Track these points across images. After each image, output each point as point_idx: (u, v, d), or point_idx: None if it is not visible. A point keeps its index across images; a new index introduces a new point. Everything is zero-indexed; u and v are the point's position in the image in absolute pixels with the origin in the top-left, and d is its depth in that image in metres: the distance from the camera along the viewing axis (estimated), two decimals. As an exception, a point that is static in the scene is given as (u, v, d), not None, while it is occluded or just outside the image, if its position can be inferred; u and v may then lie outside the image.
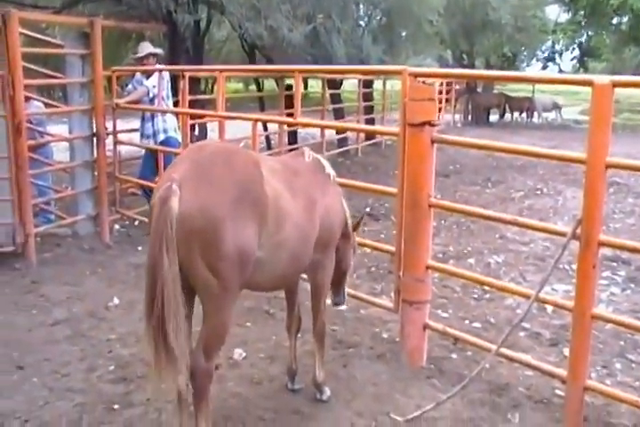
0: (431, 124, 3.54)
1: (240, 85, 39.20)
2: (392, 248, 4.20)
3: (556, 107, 24.53)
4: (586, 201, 3.06)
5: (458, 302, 5.29)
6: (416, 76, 3.74)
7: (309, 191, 3.14)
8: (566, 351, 4.13)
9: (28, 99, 6.70)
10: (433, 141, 3.59)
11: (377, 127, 10.88)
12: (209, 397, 2.83)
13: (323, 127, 10.95)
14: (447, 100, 21.65)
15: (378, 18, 12.81)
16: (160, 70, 6.66)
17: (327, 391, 3.62)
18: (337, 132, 14.07)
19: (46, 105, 7.12)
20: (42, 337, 4.46)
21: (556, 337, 4.51)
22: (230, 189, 2.63)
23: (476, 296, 5.42)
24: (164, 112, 6.88)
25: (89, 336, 4.49)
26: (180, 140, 6.69)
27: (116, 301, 5.19)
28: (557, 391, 3.62)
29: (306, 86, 35.85)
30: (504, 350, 3.54)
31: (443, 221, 7.96)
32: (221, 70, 5.51)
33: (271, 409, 3.50)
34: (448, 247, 6.92)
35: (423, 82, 3.62)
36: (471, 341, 3.79)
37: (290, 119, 5.90)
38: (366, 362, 4.09)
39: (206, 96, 12.15)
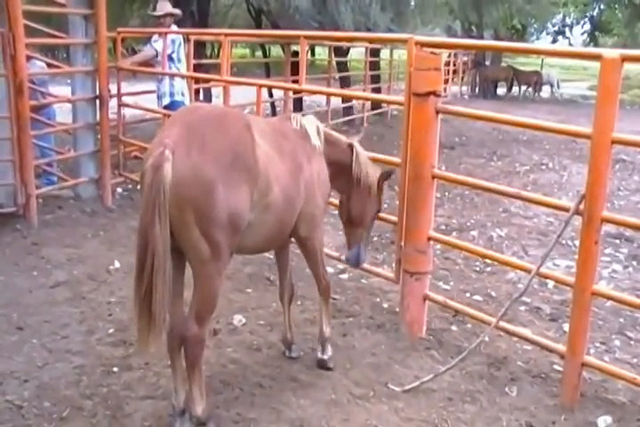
0: (436, 94, 3.47)
1: (247, 51, 38.65)
2: (394, 218, 4.17)
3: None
4: (590, 177, 3.01)
5: (459, 274, 5.29)
6: (422, 45, 3.67)
7: (296, 156, 3.15)
8: (566, 327, 4.14)
9: (29, 58, 6.59)
10: (437, 112, 3.52)
11: (381, 96, 10.68)
12: (202, 363, 2.85)
13: (326, 94, 10.79)
14: (455, 72, 21.37)
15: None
16: (166, 33, 6.53)
17: (329, 351, 3.64)
18: (342, 101, 13.92)
19: (49, 65, 7.00)
20: (42, 299, 4.47)
21: (556, 312, 4.51)
22: (223, 153, 2.62)
23: (477, 269, 5.41)
24: (172, 75, 6.77)
25: (89, 299, 4.49)
26: (187, 104, 6.60)
27: (116, 264, 5.17)
28: (555, 366, 3.63)
29: (313, 54, 35.35)
30: (503, 324, 3.54)
31: (447, 193, 7.91)
32: (226, 34, 5.42)
33: (269, 376, 3.52)
34: (451, 219, 6.90)
35: (432, 52, 3.53)
36: (471, 313, 3.79)
37: (294, 86, 5.80)
38: (365, 332, 4.09)
39: (212, 61, 11.96)
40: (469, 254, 5.80)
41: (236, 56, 34.12)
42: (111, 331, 4.02)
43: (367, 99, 12.84)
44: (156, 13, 6.92)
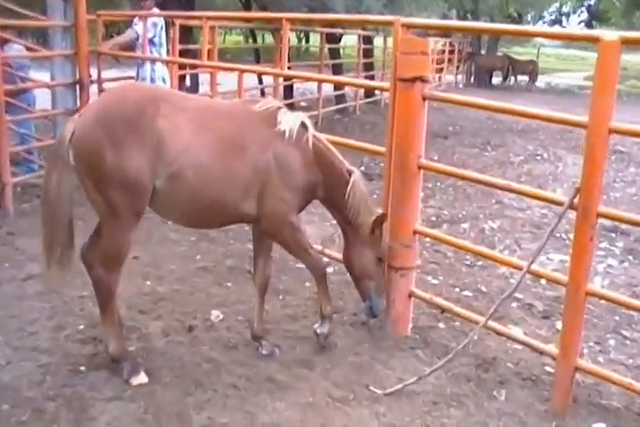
0: (423, 79, 3.23)
1: (241, 38, 38.25)
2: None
3: None
4: (585, 168, 2.82)
5: (449, 268, 5.10)
6: (409, 27, 3.46)
7: (238, 138, 3.14)
8: (559, 325, 3.96)
9: (6, 41, 6.35)
10: (424, 98, 3.29)
11: (366, 81, 10.33)
12: (112, 305, 3.22)
13: (311, 80, 10.55)
14: (450, 61, 21.11)
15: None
16: (146, 16, 6.28)
17: (326, 328, 3.55)
18: (335, 89, 13.67)
19: (28, 49, 6.74)
20: (11, 292, 4.26)
21: (549, 309, 4.33)
22: (115, 121, 2.93)
23: (468, 263, 5.22)
24: (153, 60, 6.52)
25: (61, 293, 4.26)
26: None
27: (91, 256, 4.95)
28: (547, 368, 3.45)
29: (307, 40, 35.00)
30: (493, 324, 3.35)
31: (438, 184, 7.71)
32: (208, 17, 5.19)
33: (244, 376, 3.33)
34: (442, 211, 6.70)
35: (426, 34, 3.30)
36: (458, 312, 3.59)
37: (276, 70, 5.58)
38: (348, 329, 3.90)
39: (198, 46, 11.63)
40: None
41: (229, 42, 33.74)
42: (81, 327, 3.82)
43: (352, 84, 12.50)
44: None
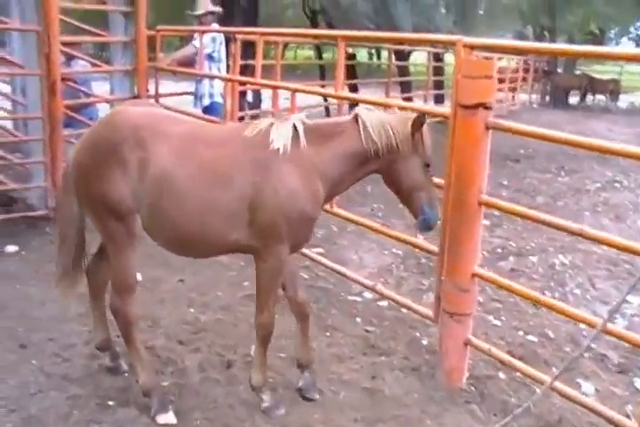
0: (486, 106, 2.89)
1: (312, 53, 38.48)
2: (435, 248, 3.63)
3: None
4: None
5: (513, 307, 4.69)
6: (472, 47, 3.12)
7: (223, 167, 2.91)
8: (638, 382, 3.54)
9: (72, 57, 6.41)
10: (487, 127, 2.94)
11: (422, 106, 9.97)
12: (134, 339, 3.17)
13: (358, 102, 10.21)
14: (524, 80, 20.42)
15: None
16: (204, 31, 6.20)
17: (267, 400, 3.22)
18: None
19: (92, 65, 6.79)
20: (53, 313, 4.16)
21: (625, 362, 3.88)
22: (100, 150, 2.93)
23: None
24: (209, 77, 6.44)
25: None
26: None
27: (138, 277, 4.81)
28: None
29: (379, 57, 34.79)
30: (559, 384, 2.95)
31: (506, 212, 7.26)
32: (262, 33, 5.09)
33: (280, 424, 3.07)
34: (509, 242, 6.27)
35: (485, 57, 2.98)
36: (520, 368, 3.18)
37: (329, 91, 5.38)
38: (398, 375, 3.58)
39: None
40: (527, 282, 5.23)
41: (301, 58, 33.94)
42: (116, 356, 3.65)
43: (405, 108, 12.23)
44: (196, 13, 6.65)
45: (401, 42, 9.42)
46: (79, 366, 3.55)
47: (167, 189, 2.89)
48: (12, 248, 5.22)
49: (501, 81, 17.67)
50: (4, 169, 6.46)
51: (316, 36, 6.82)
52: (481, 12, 13.83)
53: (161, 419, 3.07)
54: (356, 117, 3.01)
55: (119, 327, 3.19)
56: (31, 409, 3.13)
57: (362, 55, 36.09)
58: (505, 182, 9.02)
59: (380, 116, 3.02)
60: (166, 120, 3.06)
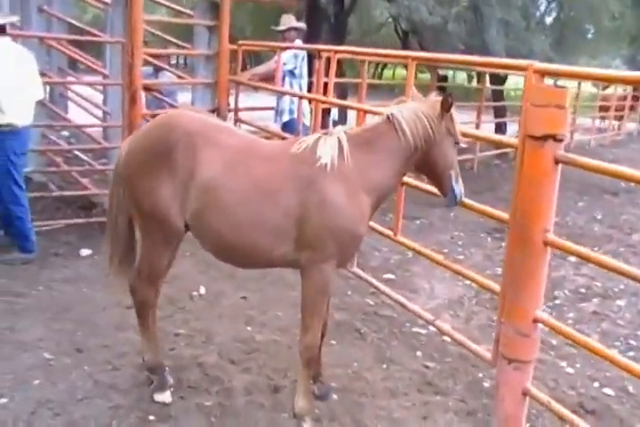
0: (557, 138, 2.63)
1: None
2: (497, 287, 3.37)
3: None
4: None
5: (591, 354, 4.29)
6: (543, 74, 2.89)
7: (271, 182, 2.89)
8: None
9: (160, 69, 6.60)
10: (557, 161, 2.67)
11: (491, 135, 9.60)
12: (147, 319, 3.33)
13: None
14: (632, 108, 19.36)
15: (548, 9, 11.35)
16: (285, 48, 6.20)
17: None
18: (496, 131, 12.93)
19: (178, 77, 6.99)
20: (112, 320, 4.19)
21: None
22: (152, 151, 2.96)
23: (618, 350, 4.38)
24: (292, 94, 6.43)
25: (158, 327, 4.11)
26: (308, 123, 6.17)
27: (202, 290, 4.82)
28: None
29: (479, 80, 34.14)
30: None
31: (596, 248, 6.79)
32: (336, 51, 5.07)
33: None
34: (595, 282, 5.82)
35: (558, 85, 2.73)
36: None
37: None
38: (452, 418, 3.34)
39: (343, 80, 11.36)
40: (609, 327, 4.82)
41: (398, 77, 33.89)
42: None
43: (476, 137, 11.80)
44: (279, 28, 6.67)
45: (471, 65, 9.16)
46: (127, 375, 3.54)
47: (213, 199, 2.89)
48: (86, 251, 5.36)
49: (606, 109, 16.87)
50: (90, 174, 6.70)
51: (386, 56, 6.71)
52: (589, 36, 13.17)
53: (158, 397, 3.27)
54: (389, 118, 3.00)
55: (135, 305, 3.33)
56: (75, 415, 3.15)
57: (462, 78, 35.58)
58: (599, 217, 8.49)
59: (411, 107, 3.02)
60: (219, 129, 3.07)
